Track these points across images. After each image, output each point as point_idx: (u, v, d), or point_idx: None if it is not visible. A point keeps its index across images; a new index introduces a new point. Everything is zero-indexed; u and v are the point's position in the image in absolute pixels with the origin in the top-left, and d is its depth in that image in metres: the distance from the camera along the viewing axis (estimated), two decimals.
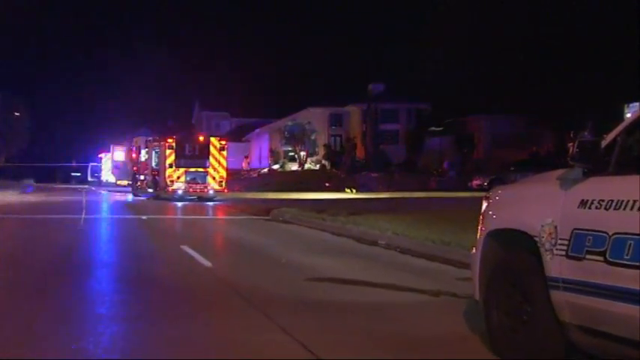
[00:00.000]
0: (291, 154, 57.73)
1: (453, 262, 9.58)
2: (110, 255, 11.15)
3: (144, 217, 19.13)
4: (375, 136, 54.12)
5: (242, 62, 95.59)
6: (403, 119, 57.97)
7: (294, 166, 56.37)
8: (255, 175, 55.00)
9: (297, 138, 55.94)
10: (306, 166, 56.07)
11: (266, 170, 57.05)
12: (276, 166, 57.59)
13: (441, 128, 53.85)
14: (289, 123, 57.00)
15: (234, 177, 45.47)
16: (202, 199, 30.57)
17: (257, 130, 63.08)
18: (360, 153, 55.78)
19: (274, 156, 58.80)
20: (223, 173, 30.85)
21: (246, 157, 64.75)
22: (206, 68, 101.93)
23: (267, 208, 21.15)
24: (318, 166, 55.93)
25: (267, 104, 66.91)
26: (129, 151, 41.60)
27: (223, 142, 31.49)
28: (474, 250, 5.32)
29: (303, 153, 56.18)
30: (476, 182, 36.22)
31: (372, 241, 12.47)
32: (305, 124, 56.48)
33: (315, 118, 57.74)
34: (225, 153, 31.16)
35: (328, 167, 54.67)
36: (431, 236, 11.40)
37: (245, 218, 19.82)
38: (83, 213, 18.67)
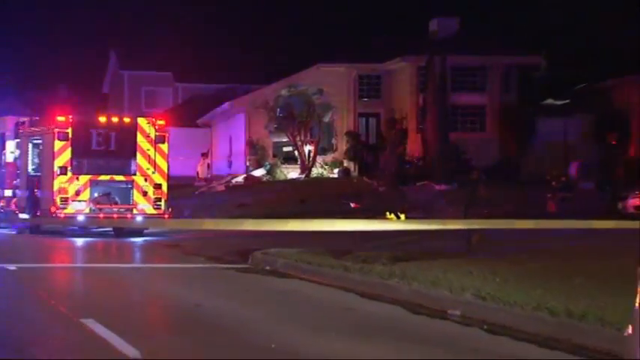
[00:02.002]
0: (288, 148, 57.90)
1: (588, 349, 9.63)
2: None
3: (12, 268, 19.25)
4: (442, 115, 54.07)
5: None
6: (495, 85, 57.96)
7: (294, 172, 56.49)
8: (222, 187, 55.20)
9: (300, 119, 56.05)
10: (315, 171, 56.15)
11: (241, 179, 57.21)
12: (259, 172, 57.71)
13: (565, 101, 53.82)
14: (284, 92, 57.04)
15: (184, 191, 45.51)
16: (123, 231, 30.63)
17: (225, 106, 63.23)
18: (413, 147, 55.76)
19: (257, 153, 58.95)
20: (162, 184, 30.90)
21: (205, 154, 64.87)
22: None
23: (243, 249, 21.25)
24: (336, 170, 55.99)
25: (242, 60, 67.05)
26: None
27: (162, 127, 31.56)
28: (629, 330, 5.29)
29: (309, 147, 56.31)
30: (633, 202, 36.24)
31: (438, 311, 12.54)
32: (313, 93, 56.56)
33: (331, 84, 57.78)
34: (165, 147, 31.17)
35: (355, 173, 54.74)
36: (546, 301, 11.40)
37: (202, 267, 19.89)
38: None
